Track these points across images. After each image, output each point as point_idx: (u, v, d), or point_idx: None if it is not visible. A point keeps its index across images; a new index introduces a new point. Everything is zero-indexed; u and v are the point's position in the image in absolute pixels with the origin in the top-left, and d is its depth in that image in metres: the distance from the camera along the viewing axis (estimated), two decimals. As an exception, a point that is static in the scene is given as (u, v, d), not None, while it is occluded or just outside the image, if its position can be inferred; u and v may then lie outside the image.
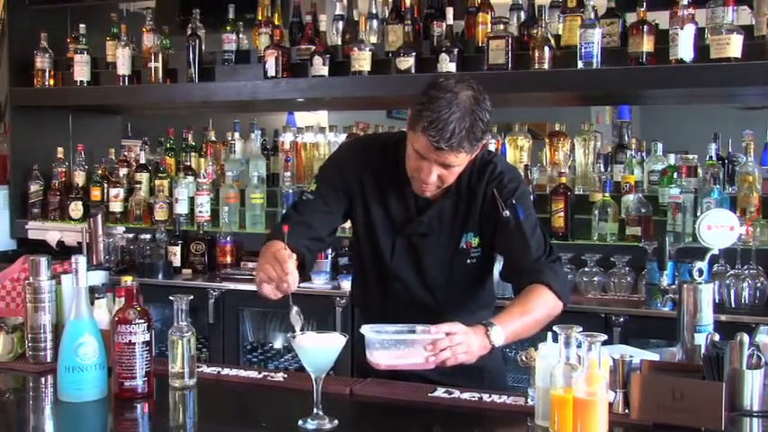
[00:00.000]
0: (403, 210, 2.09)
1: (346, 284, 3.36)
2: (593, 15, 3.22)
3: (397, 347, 1.81)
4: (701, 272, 1.92)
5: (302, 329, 1.76)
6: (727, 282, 2.89)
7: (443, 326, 1.81)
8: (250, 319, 3.75)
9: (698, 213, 3.02)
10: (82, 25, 4.23)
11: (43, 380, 2.04)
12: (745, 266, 2.90)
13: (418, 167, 1.94)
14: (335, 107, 4.88)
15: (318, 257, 3.49)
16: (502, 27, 3.37)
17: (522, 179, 2.18)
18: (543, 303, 1.97)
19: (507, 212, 2.02)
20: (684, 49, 3.04)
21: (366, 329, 1.82)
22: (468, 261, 2.10)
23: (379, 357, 1.81)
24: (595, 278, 3.15)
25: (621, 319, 2.94)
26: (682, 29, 3.04)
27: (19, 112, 4.32)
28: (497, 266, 2.26)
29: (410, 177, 2.01)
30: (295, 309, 1.79)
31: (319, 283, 3.45)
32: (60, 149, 4.31)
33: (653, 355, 1.93)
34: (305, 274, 1.86)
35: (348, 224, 3.59)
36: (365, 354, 1.83)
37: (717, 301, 2.73)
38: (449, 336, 1.80)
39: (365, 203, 2.11)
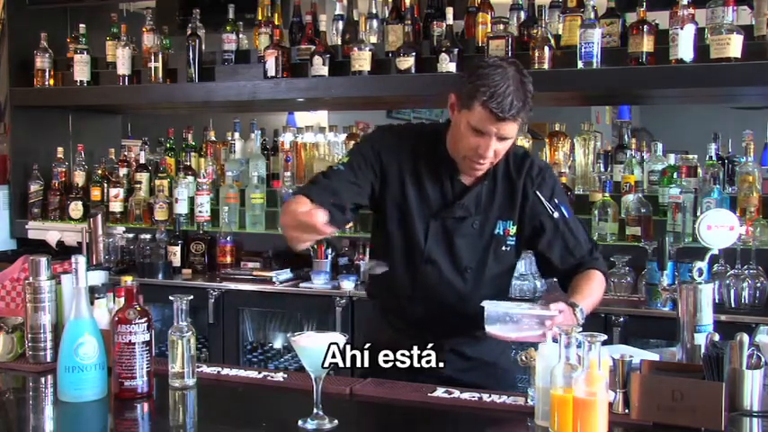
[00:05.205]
0: (439, 194, 2.13)
1: (346, 284, 3.36)
2: (593, 15, 3.21)
3: (513, 322, 1.94)
4: (700, 272, 1.92)
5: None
6: (727, 282, 2.89)
7: (559, 305, 1.95)
8: (250, 319, 3.75)
9: (698, 213, 3.02)
10: (82, 25, 4.22)
11: (43, 380, 2.04)
12: (745, 266, 2.90)
13: (476, 144, 2.00)
14: (335, 107, 4.87)
15: (318, 256, 3.50)
16: (502, 27, 3.37)
17: (552, 169, 2.31)
18: (600, 287, 2.18)
19: (557, 213, 2.15)
20: (684, 49, 3.03)
21: (487, 304, 1.95)
22: (504, 248, 2.17)
23: (498, 331, 1.94)
24: (595, 278, 3.15)
25: (621, 319, 2.94)
26: (682, 29, 3.03)
27: (19, 112, 4.32)
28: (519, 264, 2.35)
29: (462, 158, 2.06)
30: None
31: (319, 283, 3.45)
32: (60, 149, 4.31)
33: (653, 355, 1.93)
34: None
35: (350, 224, 3.67)
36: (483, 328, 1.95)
37: (717, 301, 2.74)
38: (561, 313, 1.93)
39: (402, 186, 2.13)
